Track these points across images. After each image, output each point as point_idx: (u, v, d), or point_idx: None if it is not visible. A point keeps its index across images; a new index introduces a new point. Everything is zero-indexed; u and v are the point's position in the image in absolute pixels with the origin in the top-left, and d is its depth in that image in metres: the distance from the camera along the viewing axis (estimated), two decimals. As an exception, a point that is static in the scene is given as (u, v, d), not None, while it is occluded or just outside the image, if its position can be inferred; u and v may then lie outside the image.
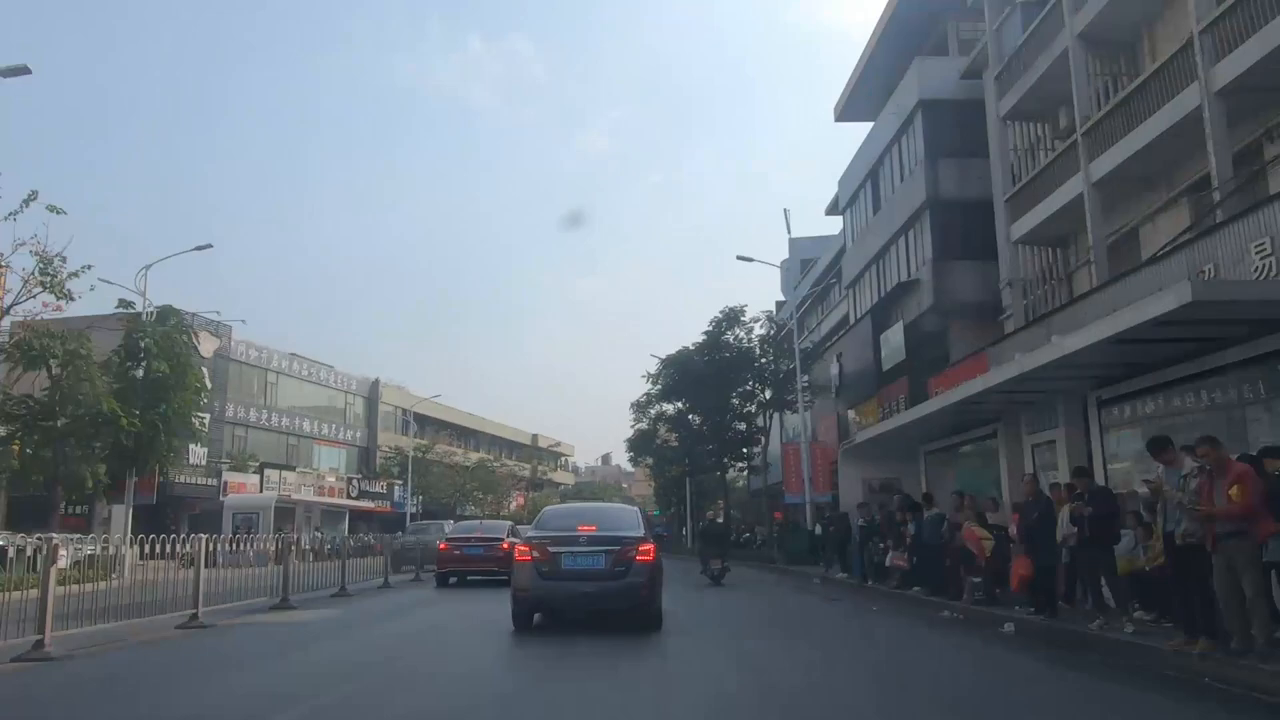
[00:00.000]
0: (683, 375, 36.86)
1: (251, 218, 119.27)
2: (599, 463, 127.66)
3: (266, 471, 46.16)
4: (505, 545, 18.21)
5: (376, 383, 60.75)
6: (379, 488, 56.99)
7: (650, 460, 52.71)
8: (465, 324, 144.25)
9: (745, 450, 37.95)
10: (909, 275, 24.61)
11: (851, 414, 29.16)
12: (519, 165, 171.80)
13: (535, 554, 10.38)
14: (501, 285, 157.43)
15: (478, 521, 24.80)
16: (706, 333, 36.62)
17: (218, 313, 42.32)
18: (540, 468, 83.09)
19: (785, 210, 28.71)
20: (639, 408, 43.45)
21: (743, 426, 37.89)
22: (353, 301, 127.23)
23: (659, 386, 39.21)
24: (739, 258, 29.94)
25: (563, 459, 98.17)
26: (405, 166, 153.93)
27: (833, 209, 41.76)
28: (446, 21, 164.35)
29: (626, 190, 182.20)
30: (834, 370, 31.87)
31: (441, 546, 20.24)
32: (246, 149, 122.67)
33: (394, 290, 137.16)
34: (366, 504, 54.84)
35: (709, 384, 35.50)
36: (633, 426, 45.44)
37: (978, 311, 21.71)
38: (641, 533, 10.80)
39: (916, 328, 23.86)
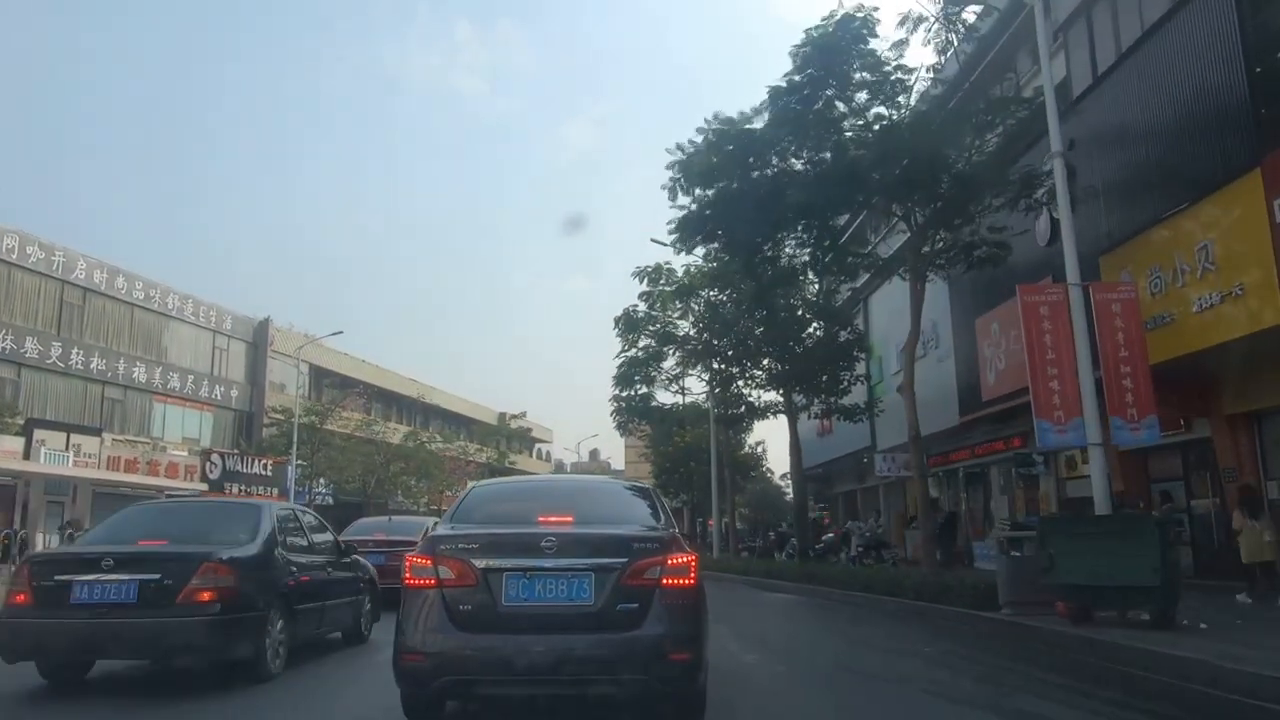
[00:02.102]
0: (729, 199, 15.73)
1: (235, 208, 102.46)
2: (584, 457, 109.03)
3: (41, 433, 29.29)
4: None
5: (266, 324, 43.67)
6: (261, 468, 40.10)
7: (647, 427, 35.93)
8: (443, 308, 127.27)
9: (840, 373, 20.21)
10: None
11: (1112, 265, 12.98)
12: (508, 154, 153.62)
13: (446, 573, 4.61)
14: (489, 275, 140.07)
15: (385, 518, 17.43)
16: (791, 80, 14.96)
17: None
18: (506, 452, 64.75)
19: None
20: (626, 322, 26.75)
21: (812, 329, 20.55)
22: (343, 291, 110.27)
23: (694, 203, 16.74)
24: None
25: (537, 445, 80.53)
26: (395, 155, 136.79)
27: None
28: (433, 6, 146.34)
29: (618, 179, 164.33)
30: (1052, 181, 15.25)
31: None
32: (224, 135, 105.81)
33: (384, 278, 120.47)
34: (234, 489, 38.03)
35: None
36: (621, 354, 28.57)
37: None
38: (663, 529, 5.07)
39: None
